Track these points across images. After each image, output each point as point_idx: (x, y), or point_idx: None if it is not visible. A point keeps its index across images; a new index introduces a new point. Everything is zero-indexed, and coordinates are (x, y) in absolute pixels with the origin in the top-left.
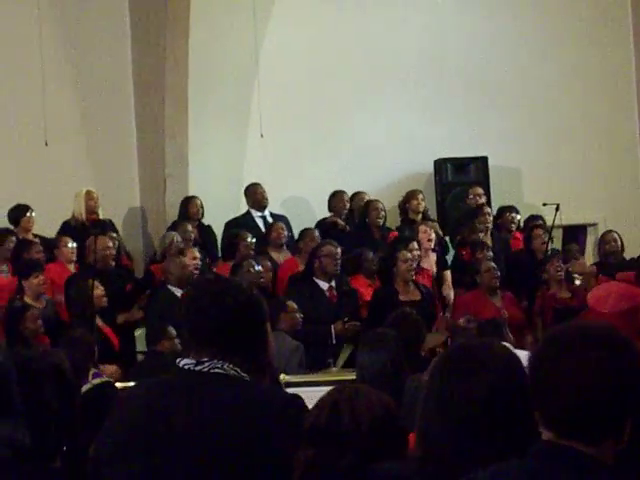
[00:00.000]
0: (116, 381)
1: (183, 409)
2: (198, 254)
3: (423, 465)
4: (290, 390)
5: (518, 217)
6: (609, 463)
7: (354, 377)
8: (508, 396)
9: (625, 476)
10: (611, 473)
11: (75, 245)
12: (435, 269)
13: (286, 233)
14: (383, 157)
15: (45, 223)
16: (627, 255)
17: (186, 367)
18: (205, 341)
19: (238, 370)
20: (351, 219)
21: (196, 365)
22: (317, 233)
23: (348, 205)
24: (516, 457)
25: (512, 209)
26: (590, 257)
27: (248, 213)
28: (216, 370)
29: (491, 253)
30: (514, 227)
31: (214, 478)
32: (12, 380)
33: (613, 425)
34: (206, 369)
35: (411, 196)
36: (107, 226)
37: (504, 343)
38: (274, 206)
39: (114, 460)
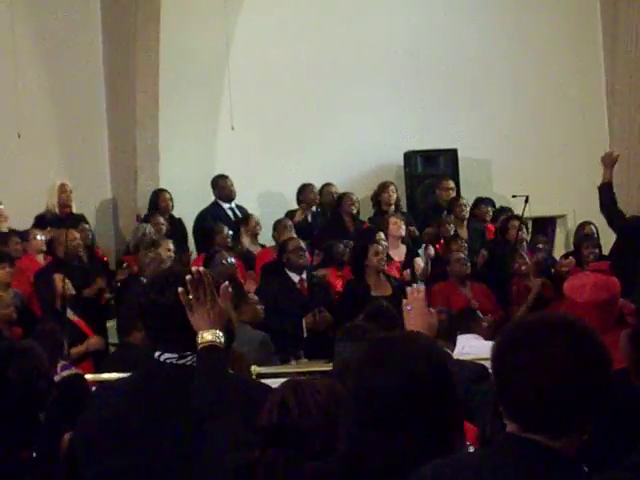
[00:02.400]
0: (100, 351)
1: (173, 404)
2: (172, 246)
3: (344, 463)
4: (264, 381)
5: (491, 209)
6: (571, 454)
7: (326, 368)
8: (422, 387)
9: (583, 467)
10: (571, 465)
11: (44, 238)
12: (404, 260)
13: (260, 226)
14: (353, 149)
15: (19, 216)
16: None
17: (168, 361)
18: (174, 334)
19: None
20: (320, 211)
21: (179, 359)
22: (289, 223)
23: (317, 198)
24: (438, 452)
25: (488, 201)
26: (560, 249)
27: (217, 204)
28: None
29: (465, 244)
30: (489, 218)
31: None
32: None
33: (575, 419)
34: (189, 362)
35: (383, 188)
36: (78, 218)
37: (476, 335)
38: (246, 199)
39: (93, 454)
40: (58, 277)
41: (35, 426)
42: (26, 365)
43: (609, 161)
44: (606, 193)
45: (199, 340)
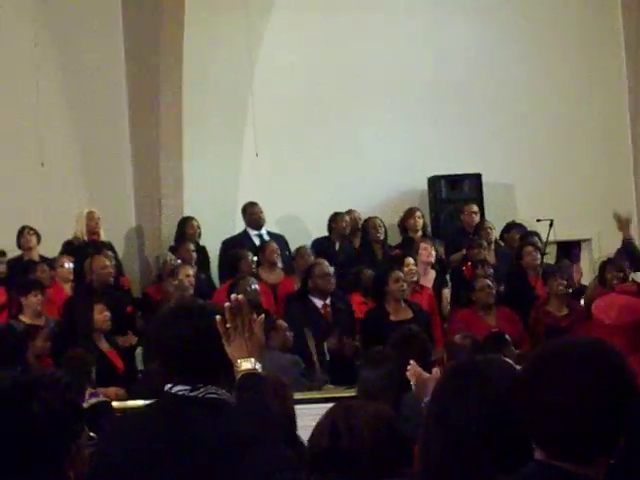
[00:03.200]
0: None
1: (185, 436)
2: (191, 271)
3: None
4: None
5: (518, 235)
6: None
7: (351, 393)
8: (505, 413)
9: None
10: None
11: (72, 265)
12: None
13: (279, 253)
14: (377, 174)
15: (47, 244)
16: None
17: (180, 393)
18: (187, 366)
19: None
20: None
21: (191, 391)
22: (309, 250)
23: (348, 227)
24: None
25: (519, 227)
26: (586, 272)
27: (245, 232)
28: (211, 395)
29: (491, 270)
30: (516, 243)
31: None
32: None
33: (602, 445)
34: (201, 394)
35: (409, 214)
36: (105, 246)
37: (505, 359)
38: (270, 224)
39: None
40: (99, 308)
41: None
42: (52, 397)
43: (622, 225)
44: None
45: (237, 369)
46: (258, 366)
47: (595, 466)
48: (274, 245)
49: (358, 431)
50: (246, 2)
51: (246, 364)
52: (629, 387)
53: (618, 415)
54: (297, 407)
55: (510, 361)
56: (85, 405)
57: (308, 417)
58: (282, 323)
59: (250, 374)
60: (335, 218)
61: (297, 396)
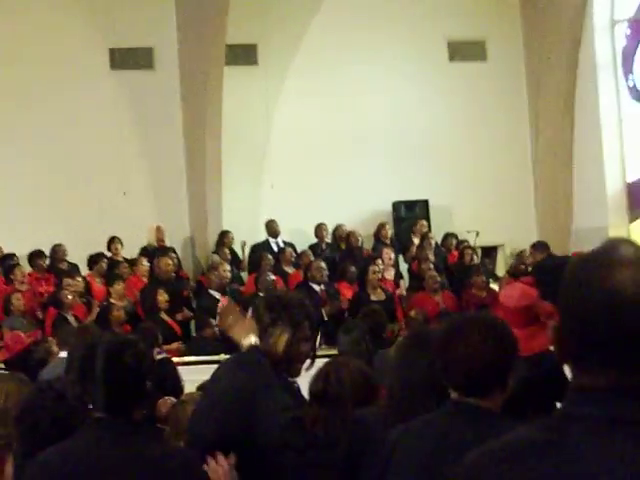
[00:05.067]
0: (180, 352)
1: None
2: (228, 267)
3: (388, 410)
4: None
5: (454, 241)
6: (497, 411)
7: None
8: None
9: (506, 420)
10: (499, 418)
11: (147, 264)
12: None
13: (293, 255)
14: (357, 199)
15: (127, 248)
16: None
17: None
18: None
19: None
20: (334, 242)
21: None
22: (309, 252)
23: (327, 233)
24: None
25: (452, 236)
26: (500, 270)
27: (266, 240)
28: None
29: (432, 265)
30: (452, 247)
31: None
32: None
33: (497, 383)
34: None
35: (381, 227)
36: (169, 250)
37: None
38: (283, 234)
39: None
40: (160, 292)
41: (145, 393)
42: (136, 352)
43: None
44: None
45: (243, 345)
46: (256, 340)
47: (493, 400)
48: (290, 250)
49: (342, 378)
50: (265, 68)
51: (248, 340)
52: (510, 345)
53: (504, 363)
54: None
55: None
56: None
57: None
58: None
59: (252, 347)
60: (318, 227)
61: None
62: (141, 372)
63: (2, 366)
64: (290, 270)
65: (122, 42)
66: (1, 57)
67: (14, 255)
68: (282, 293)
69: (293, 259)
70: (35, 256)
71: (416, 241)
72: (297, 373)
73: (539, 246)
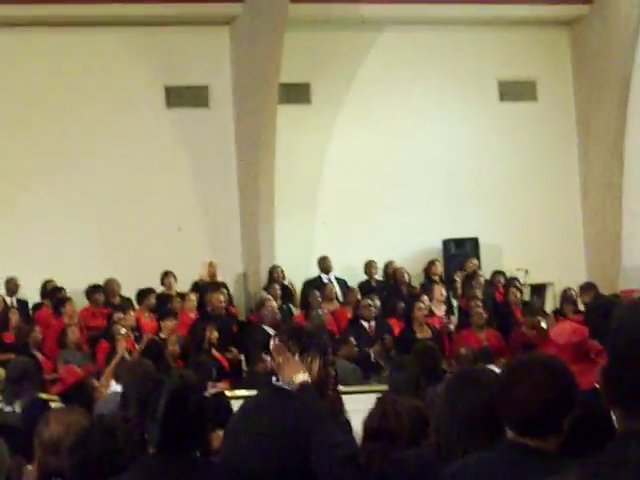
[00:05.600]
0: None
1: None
2: (274, 304)
3: (436, 451)
4: (345, 397)
5: (503, 278)
6: (553, 452)
7: (384, 387)
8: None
9: (563, 460)
10: (554, 458)
11: (195, 299)
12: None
13: (335, 291)
14: (408, 235)
15: (179, 284)
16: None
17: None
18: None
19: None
20: (386, 279)
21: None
22: (356, 290)
23: (377, 270)
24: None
25: (500, 274)
26: (549, 308)
27: (319, 276)
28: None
29: (479, 302)
30: (500, 285)
31: None
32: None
33: (554, 426)
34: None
35: (431, 264)
36: (221, 285)
37: (491, 366)
38: (336, 270)
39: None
40: (210, 328)
41: (204, 435)
42: (198, 397)
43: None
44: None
45: (295, 381)
46: (307, 377)
47: (549, 442)
48: (330, 286)
49: (399, 416)
50: (318, 107)
51: (299, 377)
52: (569, 387)
53: (562, 405)
54: (354, 396)
55: (495, 369)
56: (207, 394)
57: (359, 402)
58: (352, 340)
59: (304, 384)
60: (368, 264)
61: (352, 389)
62: (202, 418)
63: (56, 399)
64: (332, 306)
65: (178, 80)
66: (58, 94)
67: (62, 289)
68: (298, 323)
69: (335, 295)
70: (92, 291)
71: (462, 278)
72: (328, 400)
73: (587, 287)
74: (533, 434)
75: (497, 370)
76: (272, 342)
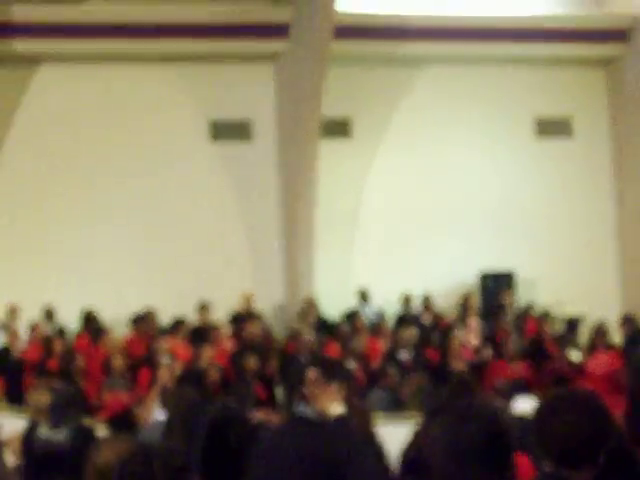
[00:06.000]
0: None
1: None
2: (308, 336)
3: None
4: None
5: (533, 311)
6: None
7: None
8: (495, 440)
9: None
10: None
11: (229, 330)
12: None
13: (368, 321)
14: (445, 269)
15: (220, 312)
16: None
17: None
18: None
19: None
20: (424, 311)
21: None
22: (386, 323)
23: (414, 304)
24: None
25: (530, 307)
26: (583, 341)
27: (357, 308)
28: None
29: (513, 335)
30: (532, 319)
31: None
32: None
33: (592, 458)
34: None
35: (468, 297)
36: (256, 316)
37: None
38: (373, 300)
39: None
40: (252, 358)
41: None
42: (239, 428)
43: None
44: None
45: (331, 412)
46: (342, 408)
47: (586, 472)
48: (362, 320)
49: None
50: (359, 141)
51: (336, 409)
52: (606, 420)
53: (600, 437)
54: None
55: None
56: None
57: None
58: (392, 370)
59: (342, 415)
60: (405, 298)
61: (386, 419)
62: (243, 448)
63: (101, 426)
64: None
65: (222, 114)
66: (105, 129)
67: (97, 318)
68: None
69: (373, 327)
70: (139, 320)
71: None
72: (360, 426)
73: (626, 320)
74: (570, 466)
75: (530, 402)
76: (307, 373)
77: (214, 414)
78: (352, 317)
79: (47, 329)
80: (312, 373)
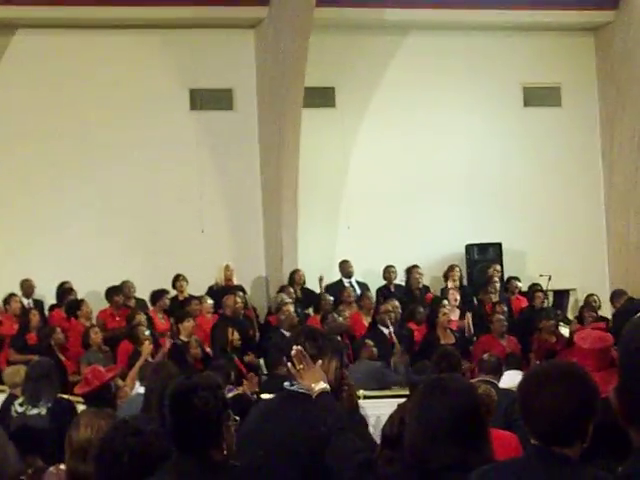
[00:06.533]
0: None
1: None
2: (291, 307)
3: (410, 468)
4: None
5: (519, 284)
6: (576, 457)
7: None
8: (466, 415)
9: (586, 468)
10: (577, 464)
11: (212, 302)
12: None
13: (353, 296)
14: (431, 240)
15: (195, 287)
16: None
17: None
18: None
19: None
20: (407, 284)
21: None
22: (371, 294)
23: (396, 275)
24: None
25: (515, 279)
26: (572, 314)
27: (340, 280)
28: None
29: (505, 308)
30: (517, 291)
31: None
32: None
33: (578, 432)
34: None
35: (450, 269)
36: (237, 289)
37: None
38: (357, 274)
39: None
40: (231, 331)
41: (218, 433)
42: (208, 394)
43: None
44: None
45: (314, 390)
46: (326, 385)
47: (574, 448)
48: (349, 290)
49: None
50: (342, 111)
51: (317, 386)
52: (592, 394)
53: (585, 413)
54: (373, 401)
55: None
56: (228, 396)
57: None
58: (370, 342)
59: (323, 392)
60: (386, 270)
61: (372, 394)
62: (212, 416)
63: (81, 400)
64: (350, 311)
65: (202, 83)
66: (81, 96)
67: (74, 290)
68: (314, 326)
69: (354, 300)
70: (112, 292)
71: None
72: (343, 399)
73: (619, 293)
74: (557, 442)
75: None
76: (292, 348)
77: (176, 383)
78: (336, 289)
79: (20, 304)
80: (298, 350)
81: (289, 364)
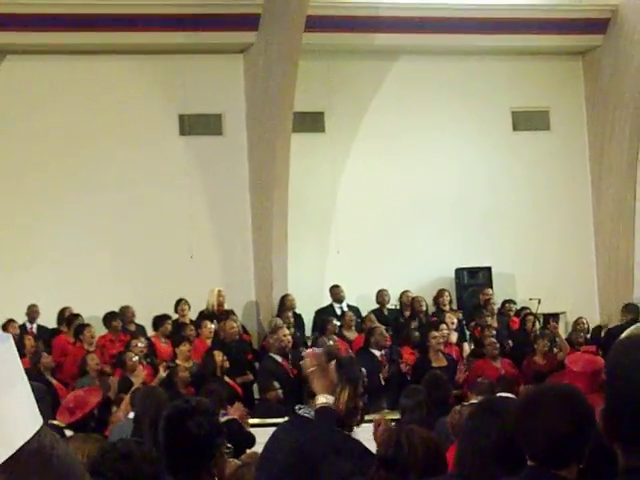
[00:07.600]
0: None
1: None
2: (287, 331)
3: (458, 477)
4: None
5: (514, 307)
6: (572, 479)
7: (396, 416)
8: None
9: None
10: None
11: (213, 327)
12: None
13: (354, 319)
14: (421, 265)
15: (193, 311)
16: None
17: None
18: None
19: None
20: (400, 307)
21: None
22: (373, 316)
23: (389, 299)
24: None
25: (510, 302)
26: (562, 334)
27: (331, 305)
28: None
29: (494, 332)
30: (512, 313)
31: None
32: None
33: (574, 454)
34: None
35: (440, 294)
36: (229, 313)
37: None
38: (348, 299)
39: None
40: (217, 354)
41: (210, 458)
42: (202, 419)
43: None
44: None
45: (316, 402)
46: (330, 400)
47: (570, 469)
48: (351, 314)
49: (414, 446)
50: (332, 135)
51: (321, 399)
52: (588, 416)
53: (581, 434)
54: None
55: (514, 397)
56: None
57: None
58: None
59: (322, 407)
60: (379, 293)
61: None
62: (205, 441)
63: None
64: (352, 335)
65: (191, 108)
66: (72, 123)
67: (79, 315)
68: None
69: (354, 324)
70: (110, 318)
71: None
72: (351, 428)
73: (628, 308)
74: (553, 464)
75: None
76: (308, 350)
77: (173, 406)
78: (329, 314)
79: (19, 329)
80: (311, 351)
81: (278, 386)
